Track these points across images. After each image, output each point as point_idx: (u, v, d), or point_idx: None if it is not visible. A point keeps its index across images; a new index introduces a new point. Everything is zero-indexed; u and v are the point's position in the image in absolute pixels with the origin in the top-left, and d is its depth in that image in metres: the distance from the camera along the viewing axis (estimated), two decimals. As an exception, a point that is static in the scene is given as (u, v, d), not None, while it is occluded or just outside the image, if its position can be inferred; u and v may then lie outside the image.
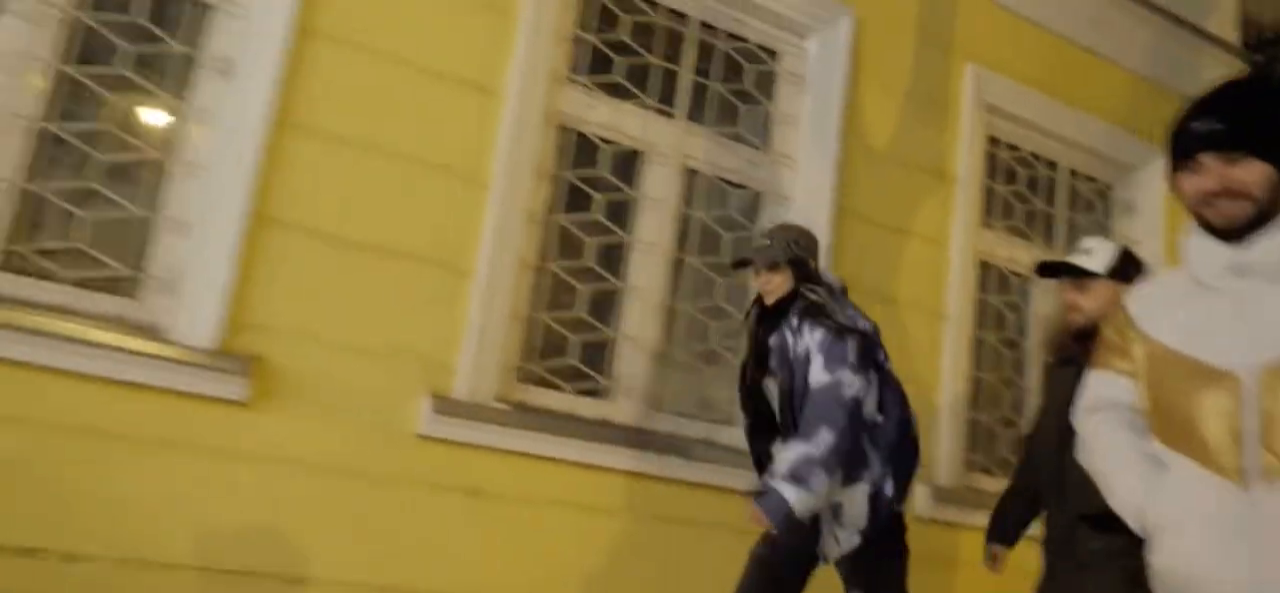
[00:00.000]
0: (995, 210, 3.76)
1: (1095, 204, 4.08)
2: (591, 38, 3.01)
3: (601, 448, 2.75)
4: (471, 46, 2.72)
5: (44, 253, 2.30)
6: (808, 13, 3.26)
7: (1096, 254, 2.16)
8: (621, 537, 2.79)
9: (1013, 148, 3.84)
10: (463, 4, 2.73)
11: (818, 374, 2.20)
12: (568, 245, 2.91)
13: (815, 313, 2.29)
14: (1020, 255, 3.76)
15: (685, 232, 3.11)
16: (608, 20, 3.05)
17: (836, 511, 2.27)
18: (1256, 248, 1.39)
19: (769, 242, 2.42)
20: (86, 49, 2.39)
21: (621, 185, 3.01)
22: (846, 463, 2.20)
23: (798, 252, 2.40)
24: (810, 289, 2.36)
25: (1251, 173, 1.40)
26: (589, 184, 2.96)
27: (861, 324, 2.36)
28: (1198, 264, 1.47)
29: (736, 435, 2.79)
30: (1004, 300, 3.75)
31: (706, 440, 2.94)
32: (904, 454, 2.34)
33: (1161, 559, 1.45)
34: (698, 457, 2.87)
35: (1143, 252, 2.51)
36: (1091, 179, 4.05)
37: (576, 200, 2.94)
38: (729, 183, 3.21)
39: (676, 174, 3.08)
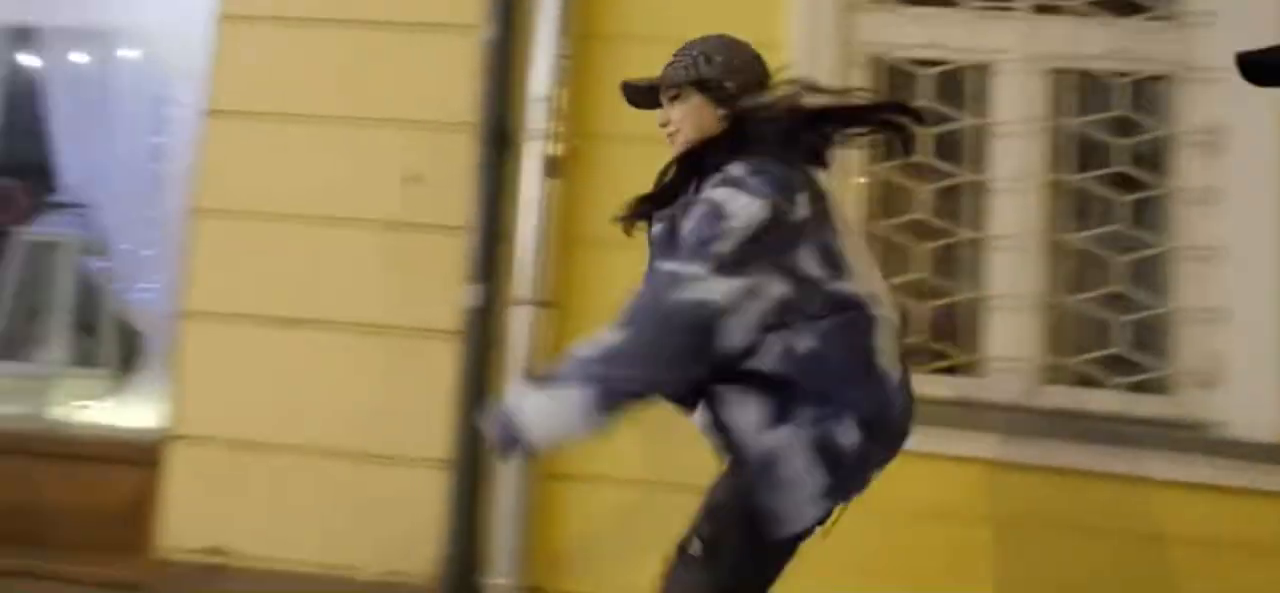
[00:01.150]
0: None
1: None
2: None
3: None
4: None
5: (1088, 362, 2.37)
6: None
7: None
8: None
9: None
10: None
11: (667, 263, 1.39)
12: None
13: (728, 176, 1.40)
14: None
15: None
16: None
17: (769, 466, 1.41)
18: None
19: (675, 59, 1.58)
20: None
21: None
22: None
23: (709, 71, 1.52)
24: (738, 139, 1.46)
25: None
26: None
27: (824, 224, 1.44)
28: None
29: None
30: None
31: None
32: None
33: None
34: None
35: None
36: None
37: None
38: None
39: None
